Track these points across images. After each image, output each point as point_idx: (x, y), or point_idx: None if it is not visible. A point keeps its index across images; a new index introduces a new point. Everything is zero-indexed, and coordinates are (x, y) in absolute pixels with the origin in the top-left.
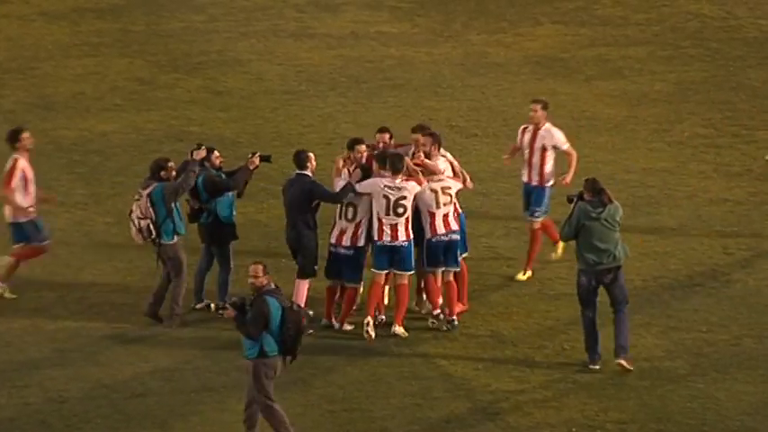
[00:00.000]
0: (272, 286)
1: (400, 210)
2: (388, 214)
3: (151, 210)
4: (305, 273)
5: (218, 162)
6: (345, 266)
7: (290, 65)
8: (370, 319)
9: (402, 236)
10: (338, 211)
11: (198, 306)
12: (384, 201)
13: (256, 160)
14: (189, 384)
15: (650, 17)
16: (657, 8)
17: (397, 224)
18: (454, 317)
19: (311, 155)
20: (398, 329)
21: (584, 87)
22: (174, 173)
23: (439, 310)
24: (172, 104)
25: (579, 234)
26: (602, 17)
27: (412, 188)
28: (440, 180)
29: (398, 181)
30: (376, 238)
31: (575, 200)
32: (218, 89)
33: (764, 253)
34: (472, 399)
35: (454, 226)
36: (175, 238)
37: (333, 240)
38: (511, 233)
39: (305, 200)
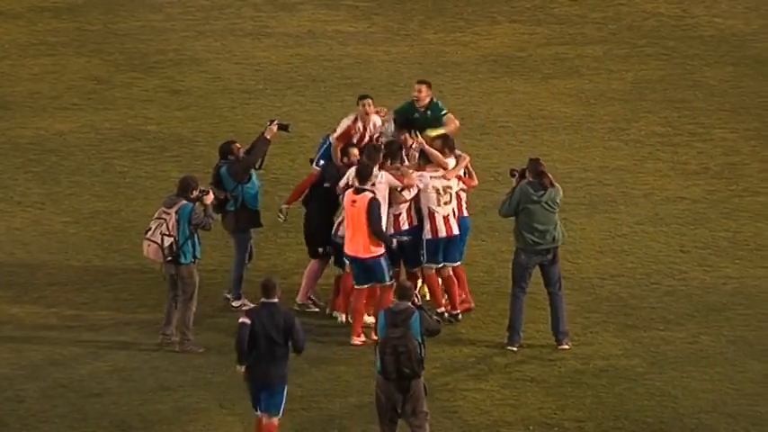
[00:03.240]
0: (399, 305)
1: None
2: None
3: (176, 228)
4: None
5: (240, 153)
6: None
7: (247, 64)
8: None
9: None
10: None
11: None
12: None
13: (274, 128)
14: (147, 384)
15: (607, 16)
16: (614, 7)
17: None
18: (458, 311)
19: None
20: (368, 318)
21: (542, 86)
22: (198, 192)
23: (443, 308)
24: (129, 103)
25: (519, 214)
26: (559, 16)
27: (385, 180)
28: (441, 178)
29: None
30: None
31: (516, 176)
32: (176, 88)
33: (721, 251)
34: (430, 397)
35: (455, 229)
36: (193, 261)
37: (332, 231)
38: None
39: None
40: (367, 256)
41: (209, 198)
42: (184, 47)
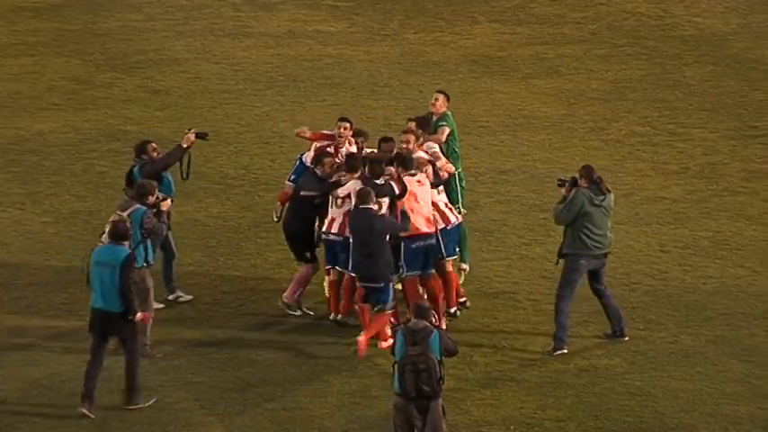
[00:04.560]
0: (417, 323)
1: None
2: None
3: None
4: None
5: (154, 154)
6: (339, 253)
7: (227, 64)
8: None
9: None
10: (330, 200)
11: (170, 297)
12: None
13: (192, 136)
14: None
15: (587, 15)
16: (594, 6)
17: None
18: (463, 299)
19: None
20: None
21: (522, 86)
22: (155, 198)
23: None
24: (109, 103)
25: (577, 220)
26: (539, 15)
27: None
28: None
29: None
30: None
31: (567, 185)
32: (156, 88)
33: (701, 251)
34: None
35: (441, 223)
36: (145, 265)
37: (324, 228)
38: None
39: None
40: (431, 230)
41: (166, 204)
42: (164, 47)
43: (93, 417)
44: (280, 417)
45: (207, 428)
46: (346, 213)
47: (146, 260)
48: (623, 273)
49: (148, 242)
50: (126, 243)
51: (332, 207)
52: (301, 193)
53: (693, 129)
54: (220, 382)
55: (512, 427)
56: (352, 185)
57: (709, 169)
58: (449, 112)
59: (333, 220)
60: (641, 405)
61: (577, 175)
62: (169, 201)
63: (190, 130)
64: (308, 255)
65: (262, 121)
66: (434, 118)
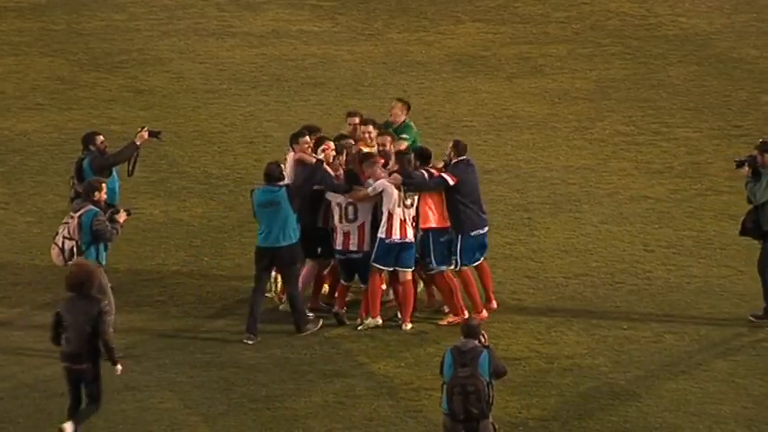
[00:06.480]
0: (466, 343)
1: (408, 201)
2: (399, 206)
3: (78, 233)
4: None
5: (102, 146)
6: (358, 269)
7: (211, 63)
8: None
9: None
10: (338, 214)
11: None
12: (396, 192)
13: (145, 134)
14: (111, 384)
15: (571, 15)
16: (578, 6)
17: (406, 218)
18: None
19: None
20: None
21: (506, 85)
22: (116, 208)
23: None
24: (93, 103)
25: None
26: (523, 15)
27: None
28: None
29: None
30: (384, 235)
31: (746, 165)
32: (140, 88)
33: (685, 250)
34: (395, 397)
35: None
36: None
37: (339, 247)
38: None
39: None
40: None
41: (123, 217)
42: (148, 46)
43: (252, 342)
44: (264, 417)
45: (191, 429)
46: (361, 227)
47: (97, 260)
48: (607, 272)
49: (101, 243)
50: (281, 182)
51: (341, 221)
52: (314, 188)
53: (677, 128)
54: (204, 382)
55: (496, 426)
56: (389, 181)
57: (693, 169)
58: (410, 122)
59: (347, 235)
60: (625, 404)
61: (755, 153)
62: (124, 214)
63: (143, 128)
64: (318, 250)
65: (246, 120)
66: (393, 126)
